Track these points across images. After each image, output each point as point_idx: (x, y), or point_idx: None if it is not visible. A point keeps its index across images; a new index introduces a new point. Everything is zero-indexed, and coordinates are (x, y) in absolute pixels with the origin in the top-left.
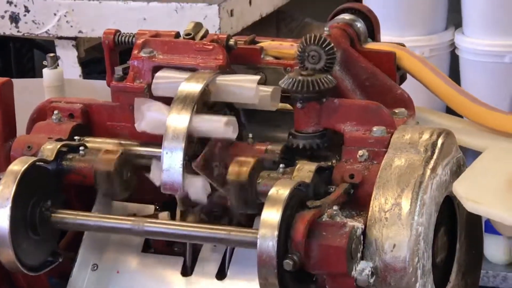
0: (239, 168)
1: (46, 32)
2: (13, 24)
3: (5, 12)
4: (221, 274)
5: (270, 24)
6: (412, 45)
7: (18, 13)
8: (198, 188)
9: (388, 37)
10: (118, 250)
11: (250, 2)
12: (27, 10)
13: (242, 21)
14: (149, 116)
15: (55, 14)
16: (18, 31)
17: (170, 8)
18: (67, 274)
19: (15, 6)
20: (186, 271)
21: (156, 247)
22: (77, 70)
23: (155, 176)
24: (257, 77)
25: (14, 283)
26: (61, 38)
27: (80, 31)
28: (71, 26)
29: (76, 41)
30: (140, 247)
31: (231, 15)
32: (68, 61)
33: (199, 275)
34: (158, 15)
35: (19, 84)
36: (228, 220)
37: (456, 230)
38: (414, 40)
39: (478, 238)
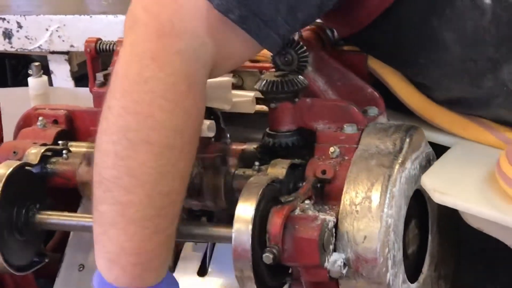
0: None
1: (38, 47)
2: (7, 40)
3: None
4: (202, 271)
5: None
6: None
7: (11, 29)
8: None
9: None
10: None
11: None
12: (19, 26)
13: None
14: None
15: (47, 30)
16: (11, 47)
17: None
18: (54, 275)
19: (8, 22)
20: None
21: None
22: (70, 84)
23: None
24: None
25: (2, 284)
26: (53, 52)
27: (71, 46)
28: (63, 41)
29: (69, 55)
30: None
31: None
32: (61, 75)
33: (181, 272)
34: None
35: (5, 93)
36: (207, 218)
37: (428, 223)
38: None
39: (451, 230)
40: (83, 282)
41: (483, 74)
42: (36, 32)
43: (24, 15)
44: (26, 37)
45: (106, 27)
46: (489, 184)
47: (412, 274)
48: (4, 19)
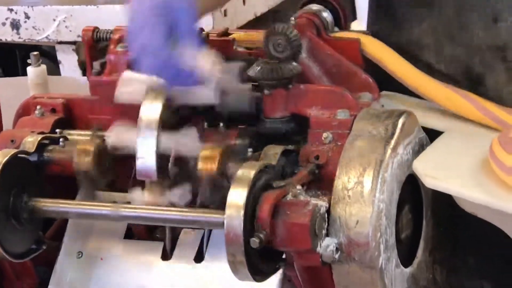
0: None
1: (46, 37)
2: (15, 31)
3: (6, 19)
4: (199, 257)
5: (266, 24)
6: None
7: (19, 20)
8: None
9: None
10: (102, 237)
11: (244, 2)
12: (27, 16)
13: (236, 21)
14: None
15: (54, 20)
16: (19, 38)
17: None
18: (54, 262)
19: (16, 13)
20: (166, 256)
21: (139, 234)
22: (78, 74)
23: None
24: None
25: (1, 271)
26: (61, 43)
27: (79, 36)
28: (70, 31)
29: (76, 45)
30: (122, 234)
31: (225, 15)
32: (69, 65)
33: (178, 258)
34: None
35: (5, 82)
36: (201, 204)
37: (422, 208)
38: None
39: (446, 215)
40: (82, 269)
41: None
42: (43, 23)
43: (32, 6)
44: (33, 27)
45: (113, 17)
46: (482, 169)
47: (407, 258)
48: (12, 10)
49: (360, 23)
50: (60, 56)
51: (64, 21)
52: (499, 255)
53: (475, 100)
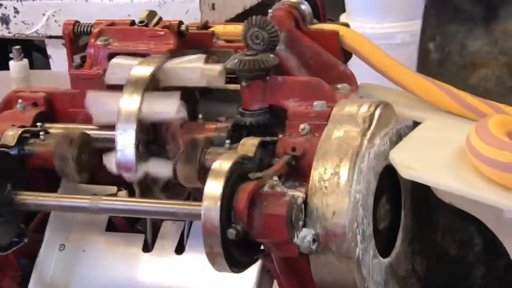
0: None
1: (36, 32)
2: (4, 26)
3: None
4: (179, 249)
5: None
6: (393, 31)
7: (8, 15)
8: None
9: (368, 24)
10: (84, 230)
11: None
12: (16, 11)
13: (225, 14)
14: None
15: (43, 14)
16: (9, 32)
17: (153, 4)
18: (36, 255)
19: (5, 8)
20: (147, 248)
21: (119, 226)
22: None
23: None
24: (203, 56)
25: None
26: (50, 37)
27: None
28: (60, 25)
29: None
30: (104, 227)
31: (213, 8)
32: (59, 59)
33: (159, 250)
34: (142, 11)
35: None
36: (184, 198)
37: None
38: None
39: (425, 206)
40: (65, 262)
41: None
42: (32, 17)
43: (21, 1)
44: (23, 22)
45: (102, 11)
46: (459, 159)
47: (386, 249)
48: (1, 4)
49: (348, 16)
50: (50, 50)
51: (53, 15)
52: (477, 244)
53: (452, 91)
